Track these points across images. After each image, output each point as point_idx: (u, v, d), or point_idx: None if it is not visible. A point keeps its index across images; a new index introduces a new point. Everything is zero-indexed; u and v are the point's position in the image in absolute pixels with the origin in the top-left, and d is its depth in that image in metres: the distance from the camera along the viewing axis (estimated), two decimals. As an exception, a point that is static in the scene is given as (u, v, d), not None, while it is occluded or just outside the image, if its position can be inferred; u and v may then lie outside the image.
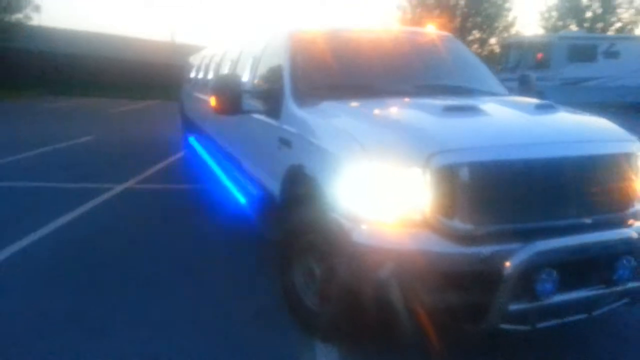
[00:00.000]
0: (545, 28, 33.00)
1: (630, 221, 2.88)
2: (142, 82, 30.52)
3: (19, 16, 29.21)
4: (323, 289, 3.13)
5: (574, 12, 31.96)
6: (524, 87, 4.67)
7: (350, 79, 4.05)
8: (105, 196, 6.72)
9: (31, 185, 7.41)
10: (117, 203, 6.52)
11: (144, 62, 32.75)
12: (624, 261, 2.69)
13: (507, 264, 2.49)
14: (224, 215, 5.62)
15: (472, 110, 3.13)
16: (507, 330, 2.67)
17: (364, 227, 2.69)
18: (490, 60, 25.83)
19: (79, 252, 4.75)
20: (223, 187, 5.98)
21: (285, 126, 3.70)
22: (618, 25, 32.01)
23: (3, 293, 3.91)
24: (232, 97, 3.87)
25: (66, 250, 4.80)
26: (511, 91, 4.40)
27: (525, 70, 16.78)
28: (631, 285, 2.75)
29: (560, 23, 32.35)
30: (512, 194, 2.65)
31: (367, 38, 4.47)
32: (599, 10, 31.91)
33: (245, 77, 4.89)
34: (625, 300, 2.88)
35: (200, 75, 8.25)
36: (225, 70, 6.09)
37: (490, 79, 4.46)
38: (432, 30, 4.79)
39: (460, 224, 2.59)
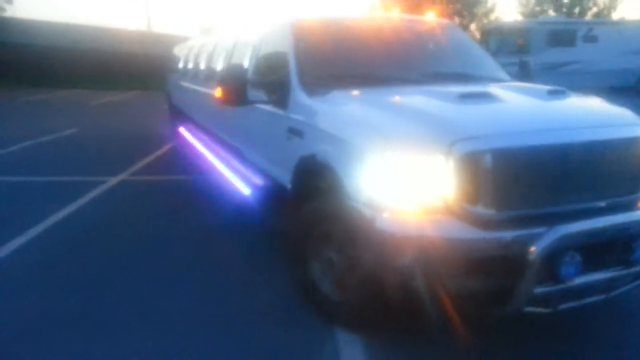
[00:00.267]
0: (523, 14, 33.31)
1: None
2: (120, 72, 29.98)
3: (-9, 8, 28.45)
4: (343, 278, 3.15)
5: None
6: (523, 72, 4.71)
7: (356, 68, 4.04)
8: (102, 189, 6.64)
9: (22, 180, 7.28)
10: (114, 196, 6.45)
11: (121, 53, 32.13)
12: (641, 242, 2.75)
13: (532, 248, 2.54)
14: (225, 206, 5.59)
15: (488, 97, 3.16)
16: (530, 313, 2.72)
17: (386, 215, 2.70)
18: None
19: (84, 247, 4.69)
20: (222, 178, 5.96)
21: (294, 116, 3.69)
22: (595, 10, 32.44)
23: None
24: (238, 88, 3.85)
25: (69, 245, 4.74)
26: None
27: (506, 55, 16.92)
28: (647, 265, 2.82)
29: (538, 8, 32.69)
30: (533, 179, 2.69)
31: (369, 26, 4.47)
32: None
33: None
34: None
35: (190, 66, 8.15)
36: (219, 60, 6.03)
37: (492, 65, 4.49)
38: (432, 17, 4.79)
39: (484, 210, 2.62)
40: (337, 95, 3.49)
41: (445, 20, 4.96)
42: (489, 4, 31.64)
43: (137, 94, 22.72)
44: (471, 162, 2.60)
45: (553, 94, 3.30)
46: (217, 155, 6.30)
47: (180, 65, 9.23)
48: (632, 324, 3.41)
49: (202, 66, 7.06)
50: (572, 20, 26.48)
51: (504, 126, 2.78)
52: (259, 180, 4.62)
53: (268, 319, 3.43)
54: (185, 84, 8.36)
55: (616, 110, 3.23)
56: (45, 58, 28.48)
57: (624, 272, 2.81)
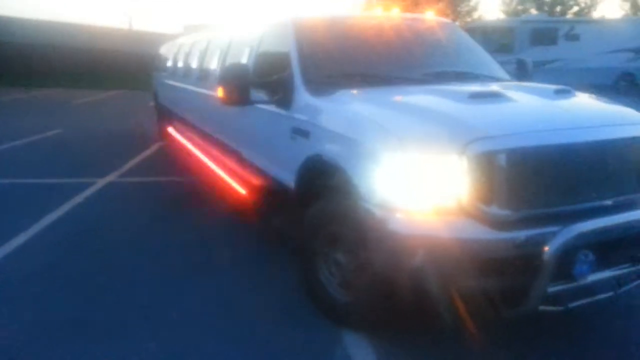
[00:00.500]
0: (506, 12, 33.69)
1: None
2: (101, 71, 29.62)
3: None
4: (351, 279, 3.13)
5: (534, -4, 32.72)
6: (521, 71, 4.73)
7: (359, 67, 4.02)
8: (90, 191, 6.51)
9: (7, 182, 7.10)
10: (104, 198, 6.33)
11: (101, 51, 31.70)
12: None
13: (547, 247, 2.54)
14: (221, 207, 5.54)
15: (497, 96, 3.16)
16: (543, 312, 2.72)
17: (399, 215, 2.68)
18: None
19: (78, 252, 4.60)
20: (216, 179, 5.89)
21: (299, 116, 3.65)
22: (576, 8, 32.92)
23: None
24: (240, 87, 3.80)
25: (62, 250, 4.63)
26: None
27: (489, 54, 17.07)
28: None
29: (520, 7, 33.08)
30: (547, 178, 2.69)
31: (370, 25, 4.45)
32: (557, -6, 32.76)
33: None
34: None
35: (180, 64, 8.05)
36: (214, 59, 5.96)
37: (492, 65, 4.50)
38: (432, 16, 4.79)
39: (498, 210, 2.61)
40: (343, 94, 3.46)
41: (444, 19, 4.97)
42: (472, 3, 31.97)
43: (119, 93, 22.41)
44: (486, 162, 2.59)
45: (560, 93, 3.32)
46: (210, 155, 6.23)
47: (169, 64, 9.12)
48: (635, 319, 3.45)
49: (194, 65, 6.97)
50: (554, 18, 26.84)
51: (518, 126, 2.78)
52: (257, 181, 4.57)
53: (273, 320, 3.40)
54: (174, 83, 8.26)
55: (623, 109, 3.25)
56: (23, 56, 27.95)
57: (633, 268, 2.84)
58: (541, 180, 2.67)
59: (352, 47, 4.17)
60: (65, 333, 3.24)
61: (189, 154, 7.38)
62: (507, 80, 4.19)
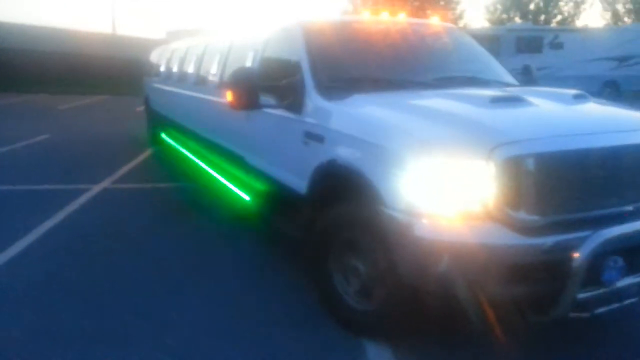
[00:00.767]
0: (490, 21, 34.10)
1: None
2: (85, 76, 29.19)
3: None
4: (371, 286, 3.06)
5: (518, 5, 33.15)
6: (526, 77, 4.73)
7: (370, 71, 3.98)
8: (85, 198, 6.36)
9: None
10: (100, 205, 6.18)
11: (85, 55, 31.34)
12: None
13: (578, 252, 2.51)
14: (223, 213, 5.44)
15: (519, 101, 3.13)
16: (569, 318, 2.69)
17: (425, 221, 2.63)
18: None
19: (77, 261, 4.46)
20: (216, 185, 5.80)
21: (311, 120, 3.58)
22: (559, 17, 33.44)
23: None
24: (249, 92, 3.75)
25: (61, 258, 4.50)
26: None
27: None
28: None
29: (505, 16, 33.52)
30: (575, 183, 2.66)
31: (378, 29, 4.41)
32: (541, 3, 33.23)
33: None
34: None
35: (175, 69, 7.94)
36: (213, 64, 5.87)
37: (500, 70, 4.50)
38: (438, 21, 4.78)
39: (526, 215, 2.57)
40: (359, 99, 3.41)
41: (450, 25, 4.96)
42: (458, 11, 32.29)
43: (104, 99, 22.14)
44: (513, 167, 2.55)
45: (578, 97, 3.30)
46: (209, 161, 6.14)
47: (162, 69, 9.01)
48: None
49: (191, 70, 6.87)
50: (539, 27, 27.19)
51: (545, 130, 2.75)
52: (263, 186, 4.50)
53: (287, 331, 3.31)
54: (169, 88, 8.15)
55: None
56: (5, 61, 27.48)
57: (657, 274, 2.81)
58: (569, 184, 2.64)
59: (361, 51, 4.13)
60: (68, 342, 3.14)
61: (186, 159, 7.28)
62: (519, 85, 4.18)
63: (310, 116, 3.62)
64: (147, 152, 9.65)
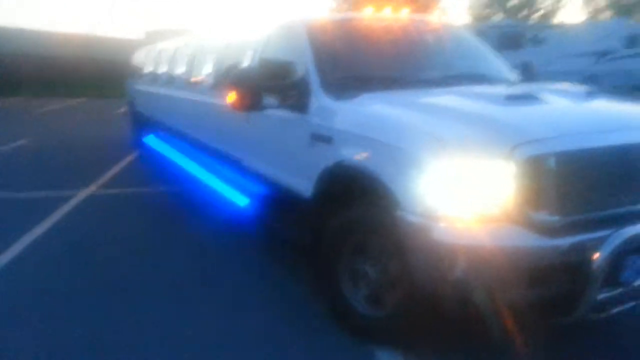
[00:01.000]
0: (473, 17, 34.33)
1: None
2: (62, 78, 28.67)
3: None
4: (383, 292, 2.97)
5: (499, 1, 33.42)
6: (527, 73, 4.67)
7: (375, 69, 3.89)
8: (72, 204, 6.16)
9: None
10: (89, 211, 5.98)
11: (61, 57, 30.75)
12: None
13: (599, 252, 2.44)
14: (219, 218, 5.29)
15: (534, 98, 3.06)
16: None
17: (443, 224, 2.54)
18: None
19: (71, 273, 4.30)
20: (208, 188, 5.66)
21: (318, 121, 3.47)
22: (540, 13, 33.78)
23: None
24: (253, 92, 3.64)
25: (52, 269, 4.33)
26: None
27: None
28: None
29: (486, 11, 33.76)
30: (596, 182, 2.61)
31: (380, 26, 4.32)
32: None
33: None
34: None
35: (163, 70, 7.76)
36: (207, 64, 5.72)
37: (504, 67, 4.45)
38: (439, 19, 4.71)
39: (547, 216, 2.50)
40: (369, 98, 3.31)
41: (452, 22, 4.90)
42: (441, 7, 32.42)
43: (82, 102, 21.78)
44: (534, 166, 2.48)
45: (590, 94, 3.25)
46: (201, 163, 5.99)
47: (148, 70, 8.81)
48: None
49: (181, 71, 6.70)
50: (520, 23, 27.36)
51: (565, 128, 2.68)
52: (261, 189, 4.38)
53: (295, 337, 3.22)
54: (157, 90, 7.96)
55: None
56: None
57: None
58: (589, 183, 2.58)
59: (365, 48, 4.04)
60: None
61: (175, 162, 7.10)
62: (524, 82, 4.13)
63: (316, 116, 3.51)
64: (132, 155, 9.44)
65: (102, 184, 7.31)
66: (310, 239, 3.58)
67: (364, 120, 3.11)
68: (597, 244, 2.47)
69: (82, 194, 6.68)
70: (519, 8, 33.09)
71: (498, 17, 31.11)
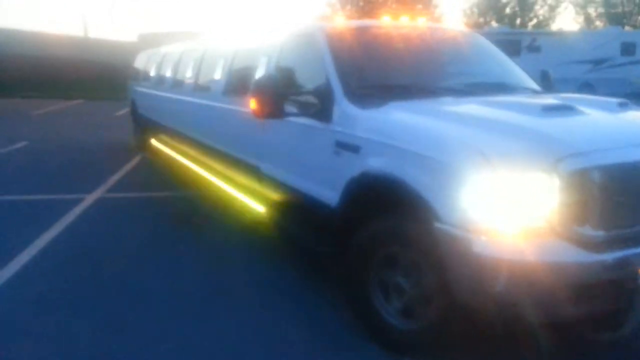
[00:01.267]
0: (467, 24, 34.49)
1: None
2: (58, 80, 28.41)
3: None
4: (417, 304, 2.94)
5: (494, 9, 33.66)
6: (544, 82, 4.67)
7: (397, 77, 3.87)
8: (81, 208, 6.08)
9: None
10: (99, 216, 5.90)
11: (57, 59, 30.54)
12: None
13: (644, 267, 2.42)
14: (232, 224, 5.24)
15: (570, 109, 3.03)
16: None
17: (484, 237, 2.51)
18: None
19: (88, 281, 4.22)
20: (220, 194, 5.62)
21: (342, 129, 3.43)
22: (535, 21, 34.07)
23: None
24: (275, 99, 3.59)
25: (69, 277, 4.25)
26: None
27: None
28: None
29: (481, 19, 33.97)
30: (638, 195, 2.58)
31: (400, 34, 4.29)
32: (517, 7, 33.84)
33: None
34: None
35: (169, 74, 7.71)
36: (217, 69, 5.67)
37: (523, 75, 4.44)
38: (457, 26, 4.69)
39: (591, 231, 2.48)
40: (396, 107, 3.28)
41: (469, 30, 4.89)
42: (436, 15, 32.52)
43: (79, 104, 21.56)
44: (578, 180, 2.46)
45: (622, 106, 3.23)
46: (212, 169, 5.93)
47: (153, 73, 8.75)
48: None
49: (190, 74, 6.64)
50: (516, 31, 27.55)
51: (607, 141, 2.66)
52: (281, 197, 4.33)
53: (322, 352, 3.17)
54: (162, 93, 7.90)
55: None
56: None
57: None
58: (632, 197, 2.57)
59: (386, 56, 4.01)
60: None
61: (183, 167, 7.04)
62: (545, 92, 4.12)
63: (340, 125, 3.47)
64: (136, 159, 9.35)
65: (109, 187, 7.22)
66: (334, 248, 3.54)
67: (395, 130, 3.08)
68: (640, 259, 2.45)
69: (91, 197, 6.60)
70: (513, 16, 33.37)
71: (493, 25, 31.36)
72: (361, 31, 4.21)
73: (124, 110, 16.66)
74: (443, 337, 2.85)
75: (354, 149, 3.30)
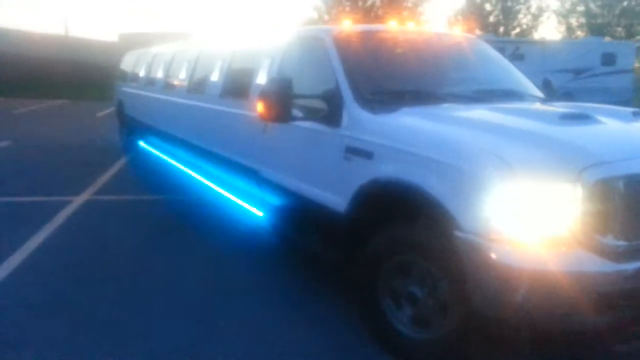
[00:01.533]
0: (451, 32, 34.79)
1: None
2: (38, 79, 28.01)
3: None
4: (433, 313, 2.88)
5: (478, 17, 34.03)
6: (547, 90, 4.68)
7: (409, 83, 3.82)
8: (69, 211, 5.91)
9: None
10: (88, 219, 5.75)
11: (37, 57, 30.08)
12: None
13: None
14: (233, 229, 5.13)
15: (587, 118, 3.01)
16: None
17: (507, 246, 2.47)
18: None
19: (83, 289, 4.09)
20: (214, 198, 5.51)
21: (355, 134, 3.36)
22: (518, 30, 34.54)
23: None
24: (283, 103, 3.51)
25: (60, 273, 4.11)
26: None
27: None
28: None
29: (465, 27, 34.32)
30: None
31: (408, 39, 4.26)
32: (501, 16, 34.27)
33: (260, 81, 4.49)
34: None
35: (161, 75, 7.56)
36: (214, 72, 5.56)
37: (527, 82, 4.43)
38: (462, 33, 4.68)
39: (614, 241, 2.46)
40: (411, 113, 3.23)
41: (474, 36, 4.87)
42: (421, 21, 32.73)
43: (61, 103, 21.16)
44: (602, 189, 2.43)
45: (637, 115, 3.23)
46: (206, 172, 5.82)
47: (142, 74, 8.59)
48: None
49: (184, 76, 6.51)
50: (500, 39, 27.82)
51: (630, 150, 2.64)
52: (282, 202, 4.25)
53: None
54: (153, 94, 7.75)
55: None
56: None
57: None
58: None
59: (394, 61, 3.98)
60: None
61: (174, 169, 6.91)
62: (551, 100, 4.12)
63: (350, 130, 3.41)
64: (122, 161, 9.18)
65: (97, 189, 7.05)
66: (340, 254, 3.48)
67: (411, 136, 3.01)
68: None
69: (79, 199, 6.44)
70: (497, 24, 33.80)
71: (477, 33, 31.74)
72: (367, 35, 4.16)
73: (107, 111, 16.47)
74: (459, 347, 2.80)
75: (367, 154, 3.23)
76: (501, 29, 33.85)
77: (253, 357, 3.11)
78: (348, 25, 4.13)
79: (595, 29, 35.29)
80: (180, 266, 4.40)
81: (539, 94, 4.30)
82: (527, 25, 34.94)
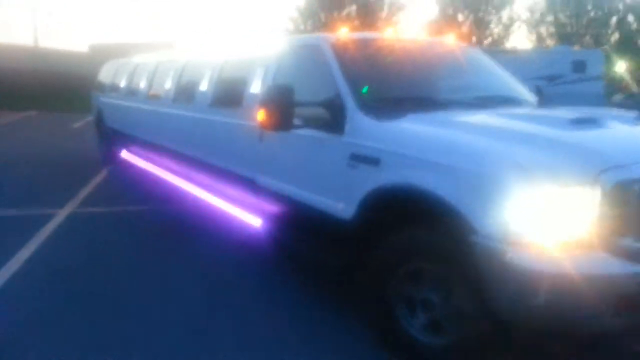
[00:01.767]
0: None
1: None
2: (8, 90, 27.31)
3: None
4: (449, 319, 2.85)
5: (451, 27, 34.55)
6: (540, 96, 4.73)
7: (409, 89, 3.83)
8: (54, 224, 5.73)
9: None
10: (74, 232, 5.57)
11: (4, 69, 29.37)
12: None
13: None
14: (228, 239, 5.02)
15: (596, 122, 3.04)
16: None
17: (526, 250, 2.46)
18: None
19: (74, 308, 3.95)
20: (205, 207, 5.41)
21: (358, 141, 3.33)
22: (490, 39, 35.21)
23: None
24: (284, 111, 3.47)
25: (47, 290, 3.97)
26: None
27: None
28: None
29: (439, 35, 34.90)
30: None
31: (404, 47, 4.27)
32: (473, 26, 34.91)
33: (255, 89, 4.44)
34: None
35: (144, 85, 7.42)
36: (203, 81, 5.48)
37: (523, 89, 4.48)
38: (456, 41, 4.70)
39: (633, 242, 2.47)
40: (417, 119, 3.22)
41: (468, 44, 4.92)
42: (397, 31, 33.05)
43: (32, 115, 20.63)
44: (620, 192, 2.45)
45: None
46: (196, 182, 5.71)
47: (123, 84, 8.44)
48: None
49: (170, 86, 6.39)
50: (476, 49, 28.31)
51: None
52: (282, 210, 4.19)
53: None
54: (135, 105, 7.61)
55: None
56: None
57: None
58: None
59: (393, 68, 3.97)
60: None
61: (160, 180, 6.77)
62: (547, 106, 4.17)
63: (354, 137, 3.38)
64: (104, 172, 8.97)
65: (81, 201, 6.87)
66: (344, 261, 3.45)
67: (421, 142, 3.00)
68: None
69: (63, 212, 6.25)
70: (469, 34, 34.41)
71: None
72: (364, 43, 4.16)
73: (82, 122, 16.16)
74: (475, 352, 2.77)
75: (373, 161, 3.20)
76: (473, 39, 34.49)
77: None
78: (345, 33, 4.11)
79: (565, 38, 36.22)
80: (173, 278, 4.29)
81: (533, 99, 4.34)
82: (499, 35, 35.76)
